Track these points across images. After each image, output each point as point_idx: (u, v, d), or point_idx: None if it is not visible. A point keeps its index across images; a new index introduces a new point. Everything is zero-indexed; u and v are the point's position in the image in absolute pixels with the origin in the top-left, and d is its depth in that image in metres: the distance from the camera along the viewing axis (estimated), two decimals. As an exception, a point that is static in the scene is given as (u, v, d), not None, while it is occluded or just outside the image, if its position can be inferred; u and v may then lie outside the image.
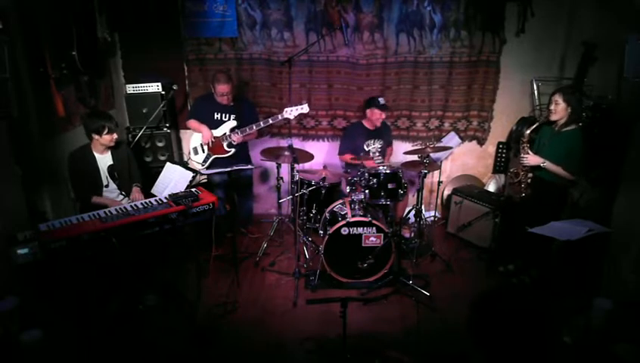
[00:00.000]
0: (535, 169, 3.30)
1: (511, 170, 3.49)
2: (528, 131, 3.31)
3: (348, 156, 4.14)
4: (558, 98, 3.15)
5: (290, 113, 3.75)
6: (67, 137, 3.49)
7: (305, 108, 3.75)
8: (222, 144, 3.93)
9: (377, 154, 4.12)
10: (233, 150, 3.95)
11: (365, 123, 4.15)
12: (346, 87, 4.47)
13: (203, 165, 3.94)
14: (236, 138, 3.84)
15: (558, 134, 3.22)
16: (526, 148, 3.30)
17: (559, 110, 3.16)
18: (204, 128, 3.89)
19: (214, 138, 3.91)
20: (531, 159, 3.26)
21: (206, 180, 4.16)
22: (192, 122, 3.99)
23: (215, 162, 3.94)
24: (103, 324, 2.83)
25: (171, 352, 2.77)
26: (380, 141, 4.11)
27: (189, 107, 4.58)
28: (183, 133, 4.70)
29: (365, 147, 4.07)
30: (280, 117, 3.78)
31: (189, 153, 4.05)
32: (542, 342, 1.27)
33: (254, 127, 3.82)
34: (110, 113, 3.50)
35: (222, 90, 3.81)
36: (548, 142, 3.28)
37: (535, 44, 4.24)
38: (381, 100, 3.99)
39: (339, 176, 4.02)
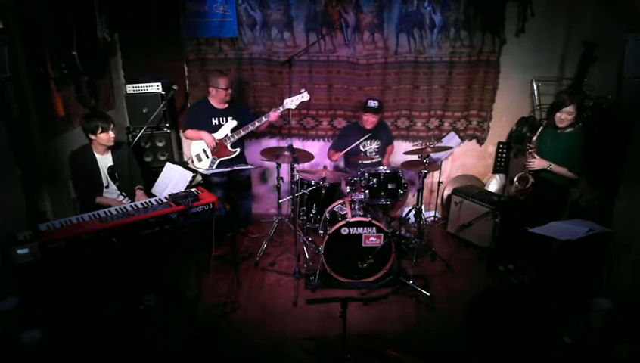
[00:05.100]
0: (540, 171, 3.29)
1: (518, 176, 3.38)
2: (534, 138, 3.27)
3: (334, 154, 4.10)
4: (573, 109, 3.09)
5: (291, 102, 3.72)
6: (67, 137, 3.48)
7: (305, 96, 3.71)
8: (226, 146, 3.91)
9: (375, 154, 4.12)
10: (238, 149, 3.95)
11: (363, 123, 4.14)
12: (347, 87, 4.47)
13: (210, 170, 3.91)
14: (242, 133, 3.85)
15: (560, 136, 3.22)
16: (533, 153, 3.28)
17: (571, 118, 3.13)
18: (204, 133, 3.84)
19: (217, 141, 3.89)
20: (537, 163, 3.24)
21: (203, 181, 4.15)
22: (189, 132, 3.93)
23: (220, 164, 3.93)
24: (103, 324, 2.83)
25: (171, 351, 2.77)
26: (377, 141, 4.10)
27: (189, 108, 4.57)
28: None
29: (362, 148, 4.07)
30: (281, 108, 3.76)
31: (192, 161, 3.99)
32: (541, 342, 1.27)
33: (257, 123, 3.81)
34: (106, 113, 3.49)
35: (223, 83, 3.78)
36: (550, 143, 3.27)
37: (535, 45, 4.23)
38: (371, 103, 3.92)
39: (339, 176, 4.02)
